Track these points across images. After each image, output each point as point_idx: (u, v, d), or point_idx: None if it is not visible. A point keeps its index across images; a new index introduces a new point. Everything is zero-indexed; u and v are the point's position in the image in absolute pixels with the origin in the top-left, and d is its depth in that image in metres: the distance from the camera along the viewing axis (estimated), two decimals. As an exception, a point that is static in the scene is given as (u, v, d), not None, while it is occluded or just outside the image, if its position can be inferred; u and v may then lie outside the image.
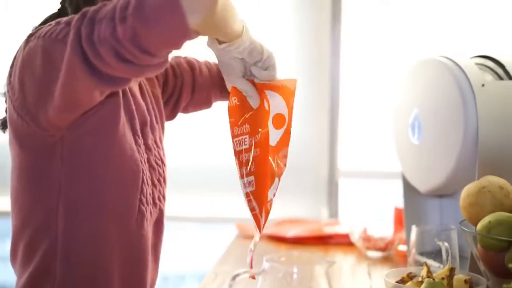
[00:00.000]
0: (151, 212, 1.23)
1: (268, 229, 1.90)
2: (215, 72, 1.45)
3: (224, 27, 1.04)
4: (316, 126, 2.35)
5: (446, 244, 1.33)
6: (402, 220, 1.79)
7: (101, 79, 0.97)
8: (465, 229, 1.19)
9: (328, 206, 2.37)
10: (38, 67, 1.03)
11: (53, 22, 1.04)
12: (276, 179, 1.14)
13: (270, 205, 1.13)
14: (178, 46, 0.95)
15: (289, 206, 2.27)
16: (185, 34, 0.92)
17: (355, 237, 1.73)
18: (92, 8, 0.95)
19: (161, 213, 1.27)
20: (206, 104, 1.48)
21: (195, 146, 2.38)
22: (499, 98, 1.38)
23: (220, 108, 1.39)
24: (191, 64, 1.45)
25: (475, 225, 1.22)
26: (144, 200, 1.20)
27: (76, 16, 0.96)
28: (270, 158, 1.14)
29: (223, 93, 1.45)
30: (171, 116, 1.43)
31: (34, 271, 1.15)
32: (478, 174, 1.35)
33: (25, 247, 1.16)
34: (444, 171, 1.42)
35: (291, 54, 2.34)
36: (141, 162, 1.20)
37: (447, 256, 1.32)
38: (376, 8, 2.38)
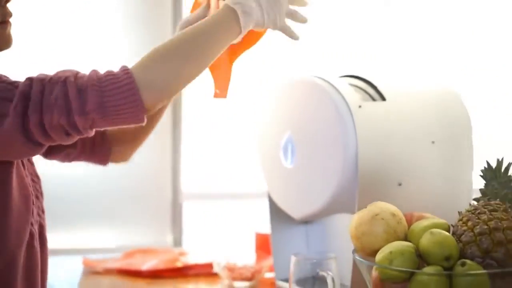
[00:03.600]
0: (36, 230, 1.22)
1: (119, 263, 1.74)
2: None
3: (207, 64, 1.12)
4: (157, 147, 2.21)
5: (330, 273, 1.28)
6: (264, 246, 1.73)
7: (40, 147, 1.05)
8: (363, 260, 1.14)
9: (172, 232, 2.24)
10: None
11: None
12: None
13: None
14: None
15: (132, 234, 2.12)
16: (140, 121, 1.05)
17: (218, 268, 1.62)
18: (34, 90, 1.00)
19: (42, 227, 1.24)
20: None
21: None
22: (376, 119, 1.36)
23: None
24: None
25: (369, 254, 1.17)
26: (33, 220, 1.19)
27: (17, 96, 0.99)
28: None
29: None
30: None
31: None
32: (358, 199, 1.32)
33: None
34: (323, 196, 1.37)
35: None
36: (29, 184, 1.19)
37: (334, 286, 1.27)
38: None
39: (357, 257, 1.15)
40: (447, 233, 1.09)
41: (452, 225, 1.16)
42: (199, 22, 1.12)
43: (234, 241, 2.18)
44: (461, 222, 1.13)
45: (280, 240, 1.58)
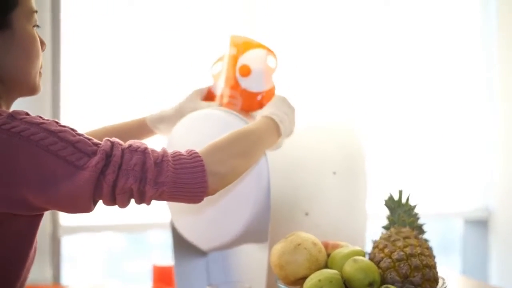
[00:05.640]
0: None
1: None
2: None
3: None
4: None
5: (246, 303, 1.30)
6: (162, 278, 1.71)
7: (93, 207, 1.08)
8: (289, 288, 1.17)
9: (51, 267, 2.13)
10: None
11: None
12: None
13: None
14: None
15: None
16: (198, 201, 1.15)
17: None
18: (115, 153, 1.06)
19: None
20: None
21: None
22: (285, 151, 1.40)
23: None
24: None
25: (292, 282, 1.21)
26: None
27: (100, 154, 1.05)
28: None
29: None
30: None
31: None
32: (270, 230, 1.35)
33: None
34: (236, 226, 1.38)
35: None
36: None
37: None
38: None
39: (283, 286, 1.19)
40: (369, 260, 1.16)
41: (368, 252, 1.24)
42: (249, 126, 1.27)
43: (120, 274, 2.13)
44: (377, 249, 1.20)
45: (184, 272, 1.58)
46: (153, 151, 1.11)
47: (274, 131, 1.30)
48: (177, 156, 1.12)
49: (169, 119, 1.50)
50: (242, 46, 1.42)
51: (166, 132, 1.51)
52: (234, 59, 1.42)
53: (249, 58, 1.41)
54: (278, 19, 2.41)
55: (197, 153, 1.14)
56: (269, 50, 1.43)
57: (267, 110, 1.34)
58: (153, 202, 1.13)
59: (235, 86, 1.42)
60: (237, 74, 1.42)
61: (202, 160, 1.12)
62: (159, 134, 1.52)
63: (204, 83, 1.53)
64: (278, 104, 1.35)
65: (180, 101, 1.51)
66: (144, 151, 1.09)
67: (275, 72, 1.43)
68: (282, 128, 1.31)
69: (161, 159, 1.09)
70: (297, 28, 2.44)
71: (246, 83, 1.42)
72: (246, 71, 1.41)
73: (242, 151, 1.21)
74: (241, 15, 2.36)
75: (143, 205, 1.12)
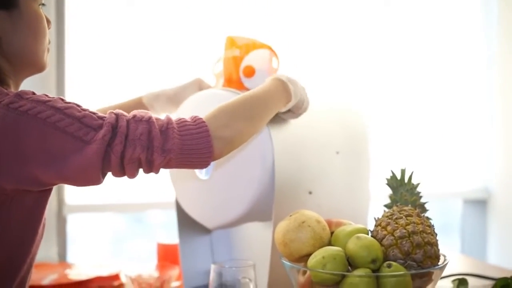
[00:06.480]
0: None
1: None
2: None
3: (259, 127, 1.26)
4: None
5: (249, 280, 1.32)
6: (166, 256, 1.74)
7: (103, 179, 1.10)
8: (294, 265, 1.20)
9: (57, 245, 2.16)
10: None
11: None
12: None
13: None
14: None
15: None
16: (205, 166, 1.17)
17: (124, 279, 1.61)
18: (120, 124, 1.08)
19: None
20: None
21: None
22: (288, 131, 1.43)
23: None
24: None
25: (296, 259, 1.24)
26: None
27: (106, 126, 1.06)
28: None
29: None
30: None
31: None
32: (274, 209, 1.38)
33: None
34: (241, 205, 1.41)
35: None
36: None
37: (257, 293, 1.32)
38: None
39: (288, 262, 1.21)
40: (372, 238, 1.19)
41: (370, 230, 1.27)
42: (256, 89, 1.27)
43: (125, 252, 2.16)
44: (380, 227, 1.23)
45: (188, 250, 1.61)
46: (157, 119, 1.13)
47: (283, 93, 1.30)
48: (182, 123, 1.14)
49: (166, 99, 1.52)
50: (245, 47, 1.44)
51: (160, 111, 1.54)
52: (238, 60, 1.44)
53: (253, 58, 1.44)
54: (275, 15, 2.42)
55: (201, 118, 1.16)
56: (272, 50, 1.45)
57: (277, 75, 1.33)
58: (160, 176, 1.17)
59: (239, 87, 1.44)
60: (241, 74, 1.44)
61: (206, 126, 1.14)
62: (154, 113, 1.53)
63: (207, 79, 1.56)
64: (289, 77, 1.35)
65: (180, 85, 1.54)
66: (149, 120, 1.11)
67: (277, 72, 1.45)
68: (292, 88, 1.31)
69: (166, 127, 1.11)
70: (298, 23, 2.45)
71: (250, 84, 1.44)
72: (250, 72, 1.43)
73: (249, 115, 1.22)
74: (239, 12, 2.38)
75: (151, 175, 1.14)
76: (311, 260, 1.17)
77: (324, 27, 2.49)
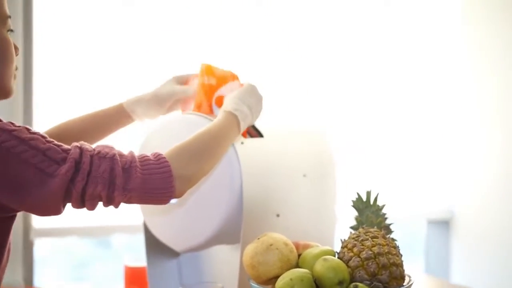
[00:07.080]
0: None
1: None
2: None
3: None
4: None
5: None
6: (134, 279, 1.74)
7: (63, 209, 1.12)
8: (262, 287, 1.22)
9: (23, 269, 2.14)
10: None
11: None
12: None
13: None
14: None
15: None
16: (165, 203, 1.19)
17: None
18: (84, 160, 1.09)
19: None
20: None
21: None
22: (256, 154, 1.45)
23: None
24: None
25: (264, 282, 1.26)
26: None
27: (70, 162, 1.08)
28: None
29: None
30: None
31: None
32: (243, 231, 1.40)
33: None
34: (209, 227, 1.42)
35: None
36: None
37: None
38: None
39: (256, 285, 1.23)
40: (338, 259, 1.21)
41: (337, 252, 1.29)
42: (211, 126, 1.32)
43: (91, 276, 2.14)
44: (346, 248, 1.25)
45: (156, 273, 1.61)
46: (121, 155, 1.14)
47: (236, 127, 1.36)
48: (145, 161, 1.16)
49: (147, 102, 1.52)
50: (220, 79, 1.52)
51: (142, 116, 1.54)
52: (213, 89, 1.51)
53: (225, 90, 1.51)
54: (257, 21, 2.46)
55: (164, 157, 1.18)
56: (239, 81, 1.54)
57: (230, 104, 1.38)
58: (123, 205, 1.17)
59: (209, 113, 1.50)
60: (213, 103, 1.51)
61: (169, 165, 1.16)
62: (136, 118, 1.54)
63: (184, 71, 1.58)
64: (244, 96, 1.41)
65: (158, 86, 1.56)
66: (113, 157, 1.13)
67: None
68: (242, 125, 1.38)
69: (130, 165, 1.13)
70: (272, 31, 2.49)
71: (218, 112, 1.48)
72: (221, 102, 1.50)
73: (207, 151, 1.26)
74: (229, 12, 2.41)
75: (111, 207, 1.16)
76: (279, 282, 1.18)
77: (298, 33, 2.53)
